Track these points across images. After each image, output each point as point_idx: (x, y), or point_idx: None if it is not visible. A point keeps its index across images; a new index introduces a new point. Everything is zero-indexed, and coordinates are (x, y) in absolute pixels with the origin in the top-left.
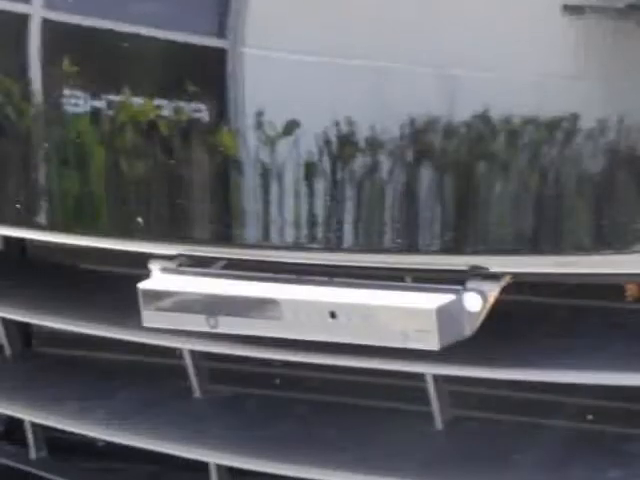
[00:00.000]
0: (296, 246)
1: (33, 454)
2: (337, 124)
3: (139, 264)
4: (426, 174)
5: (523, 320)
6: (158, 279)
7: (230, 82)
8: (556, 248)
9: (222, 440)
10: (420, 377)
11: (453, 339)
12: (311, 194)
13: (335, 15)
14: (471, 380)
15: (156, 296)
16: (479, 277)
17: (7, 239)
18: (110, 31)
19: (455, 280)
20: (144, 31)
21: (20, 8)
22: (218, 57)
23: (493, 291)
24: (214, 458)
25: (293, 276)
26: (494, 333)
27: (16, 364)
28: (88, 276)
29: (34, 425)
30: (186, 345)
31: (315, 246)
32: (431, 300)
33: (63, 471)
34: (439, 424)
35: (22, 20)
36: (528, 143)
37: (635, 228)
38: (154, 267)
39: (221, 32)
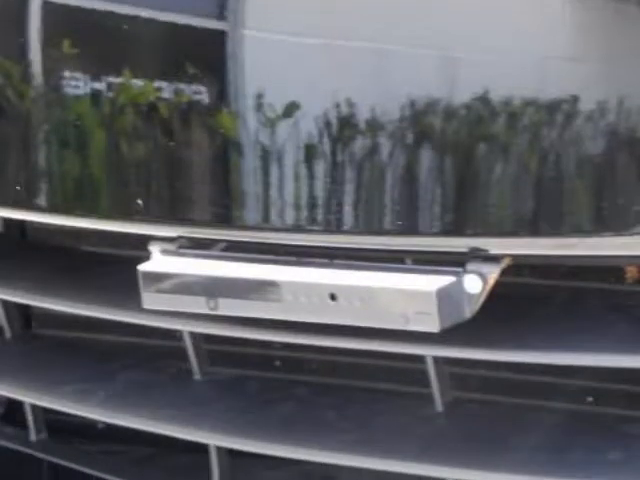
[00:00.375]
0: (296, 228)
1: (33, 436)
2: (337, 106)
3: (139, 246)
4: (426, 156)
5: (523, 302)
6: (158, 261)
7: (230, 64)
8: (556, 230)
9: (222, 422)
10: (420, 359)
11: (453, 321)
12: (311, 176)
13: None
14: (471, 362)
15: (156, 278)
16: (479, 259)
17: (7, 221)
18: (110, 13)
19: (455, 262)
20: (144, 13)
21: None
22: (218, 39)
23: (493, 273)
24: (214, 440)
25: (293, 258)
26: (494, 315)
27: (16, 346)
28: (88, 258)
29: (34, 407)
30: (186, 327)
31: (315, 228)
32: (431, 282)
33: (63, 453)
34: (439, 406)
35: (22, 1)
36: (528, 125)
37: (635, 210)
38: (154, 249)
39: (221, 14)
